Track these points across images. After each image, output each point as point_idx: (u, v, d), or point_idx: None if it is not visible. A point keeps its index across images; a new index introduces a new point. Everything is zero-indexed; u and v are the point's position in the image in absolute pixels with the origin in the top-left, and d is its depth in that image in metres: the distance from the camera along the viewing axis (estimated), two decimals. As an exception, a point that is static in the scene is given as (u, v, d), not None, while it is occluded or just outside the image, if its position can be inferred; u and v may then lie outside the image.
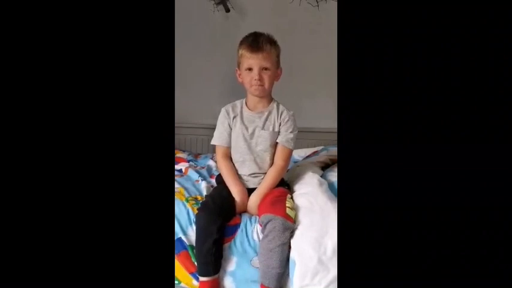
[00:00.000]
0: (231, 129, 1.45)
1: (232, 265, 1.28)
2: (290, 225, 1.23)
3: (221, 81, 2.10)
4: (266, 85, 1.38)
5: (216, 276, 1.26)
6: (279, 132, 1.43)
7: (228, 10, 2.04)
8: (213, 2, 2.03)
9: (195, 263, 1.28)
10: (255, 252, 1.27)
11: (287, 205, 1.28)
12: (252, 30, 1.99)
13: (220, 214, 1.26)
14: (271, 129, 1.42)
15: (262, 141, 1.42)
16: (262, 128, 1.42)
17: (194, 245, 1.28)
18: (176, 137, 2.12)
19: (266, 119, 1.43)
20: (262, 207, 1.31)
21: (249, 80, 1.38)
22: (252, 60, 1.36)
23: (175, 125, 2.00)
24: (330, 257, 1.15)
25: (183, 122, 2.15)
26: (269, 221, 1.22)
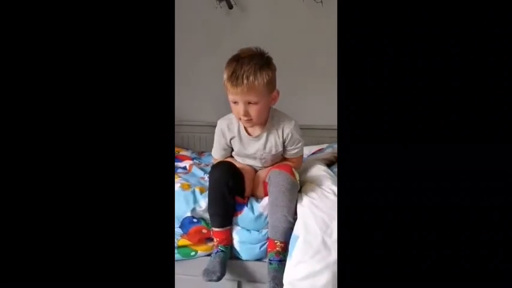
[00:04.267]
0: (228, 146, 1.40)
1: (236, 230, 1.33)
2: (296, 183, 1.25)
3: (224, 79, 2.10)
4: (255, 118, 1.26)
5: (229, 227, 1.29)
6: (283, 148, 1.37)
7: (231, 7, 2.04)
8: (215, -1, 2.03)
9: (209, 229, 1.32)
10: (261, 223, 1.30)
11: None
12: (254, 28, 2.01)
13: (233, 174, 1.28)
14: (274, 151, 1.36)
15: (266, 160, 1.39)
16: (264, 149, 1.36)
17: (203, 217, 1.33)
18: (180, 135, 2.13)
19: (266, 141, 1.35)
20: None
21: (236, 113, 1.27)
22: (234, 96, 1.23)
23: (179, 123, 2.04)
24: (334, 241, 1.15)
25: (186, 119, 2.16)
26: (275, 176, 1.23)
